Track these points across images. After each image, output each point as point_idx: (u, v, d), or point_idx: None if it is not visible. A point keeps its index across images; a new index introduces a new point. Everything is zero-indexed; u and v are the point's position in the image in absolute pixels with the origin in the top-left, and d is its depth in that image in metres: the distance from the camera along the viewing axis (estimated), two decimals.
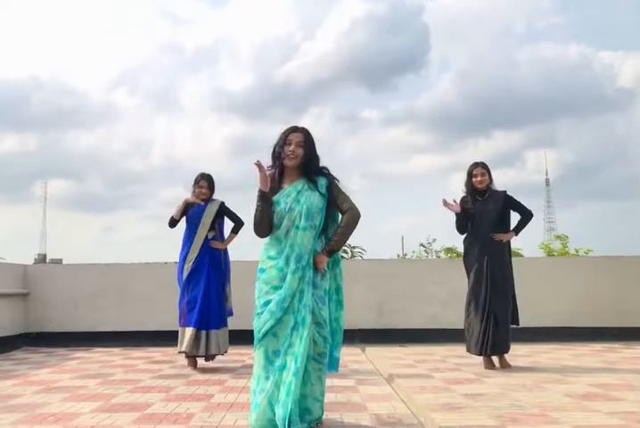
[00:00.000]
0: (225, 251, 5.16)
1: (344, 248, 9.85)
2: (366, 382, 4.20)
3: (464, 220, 4.93)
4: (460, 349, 6.10)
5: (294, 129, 3.00)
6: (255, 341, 2.88)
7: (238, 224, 5.16)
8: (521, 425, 2.85)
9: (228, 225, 5.26)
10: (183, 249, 5.07)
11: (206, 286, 4.89)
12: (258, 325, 2.86)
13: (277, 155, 2.98)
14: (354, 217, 2.96)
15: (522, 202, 4.96)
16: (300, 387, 2.75)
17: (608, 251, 7.75)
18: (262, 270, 2.96)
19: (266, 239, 3.01)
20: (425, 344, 6.48)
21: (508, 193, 4.94)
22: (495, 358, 4.80)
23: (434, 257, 11.40)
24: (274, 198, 2.95)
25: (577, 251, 8.55)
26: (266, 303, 2.87)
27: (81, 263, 7.59)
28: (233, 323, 5.16)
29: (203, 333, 4.79)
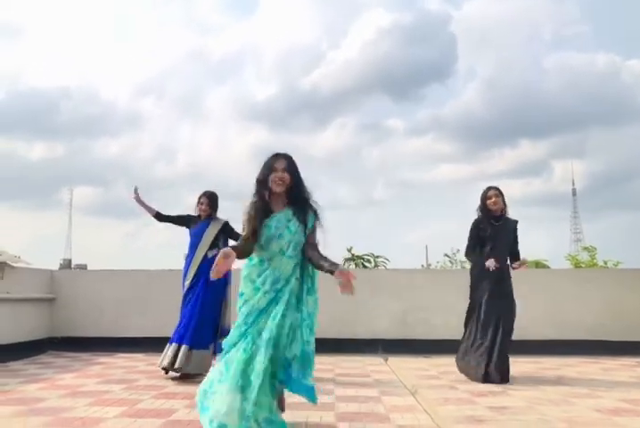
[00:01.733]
0: (228, 272, 5.14)
1: (367, 257, 9.87)
2: (390, 392, 4.16)
3: (476, 245, 4.97)
4: None
5: (277, 156, 3.05)
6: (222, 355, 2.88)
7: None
8: None
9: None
10: (185, 265, 5.12)
11: (195, 303, 4.89)
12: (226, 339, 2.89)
13: (264, 183, 3.00)
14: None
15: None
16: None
17: (636, 263, 7.60)
18: (242, 294, 2.99)
19: (248, 262, 3.04)
20: (449, 355, 6.39)
21: (520, 222, 5.03)
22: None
23: (458, 267, 11.30)
24: (266, 222, 2.96)
25: (605, 263, 8.39)
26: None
27: (106, 269, 7.69)
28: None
29: (183, 348, 4.73)
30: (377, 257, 9.80)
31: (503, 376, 4.61)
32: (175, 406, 3.61)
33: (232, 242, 5.26)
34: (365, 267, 9.63)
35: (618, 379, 4.84)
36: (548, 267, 8.13)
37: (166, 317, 7.00)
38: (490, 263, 4.71)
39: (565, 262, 9.26)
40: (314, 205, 3.06)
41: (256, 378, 2.65)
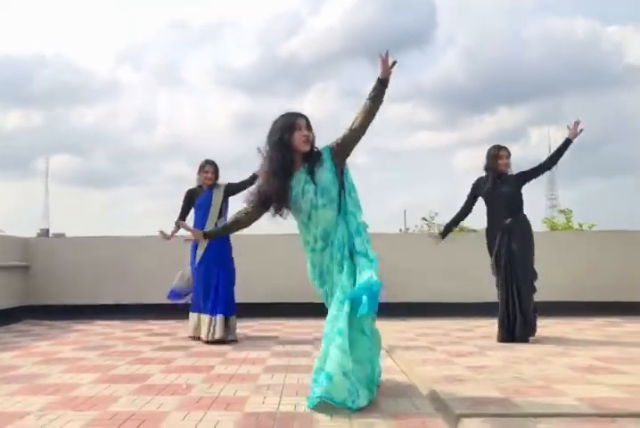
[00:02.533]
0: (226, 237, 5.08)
1: None
2: None
3: (467, 208, 5.04)
4: (464, 322, 6.11)
5: (296, 115, 2.94)
6: None
7: (251, 178, 4.95)
8: (525, 397, 2.81)
9: (232, 209, 5.21)
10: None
11: (219, 275, 4.89)
12: None
13: (286, 142, 2.87)
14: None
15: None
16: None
17: (612, 227, 7.69)
18: (309, 262, 3.05)
19: (298, 229, 3.03)
20: (427, 318, 6.47)
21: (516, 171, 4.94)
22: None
23: (436, 231, 11.34)
24: (290, 184, 2.90)
25: (580, 226, 8.47)
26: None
27: (82, 236, 7.57)
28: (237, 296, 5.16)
29: (219, 319, 4.78)
30: None
31: (523, 334, 4.65)
32: (150, 371, 3.57)
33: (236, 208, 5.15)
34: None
35: (591, 338, 4.91)
36: None
37: (144, 284, 6.95)
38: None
39: (542, 226, 9.35)
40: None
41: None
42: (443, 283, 6.98)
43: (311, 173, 2.89)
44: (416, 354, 4.17)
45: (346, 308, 2.78)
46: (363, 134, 2.95)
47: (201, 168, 5.08)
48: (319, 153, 2.94)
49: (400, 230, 13.53)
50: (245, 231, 5.97)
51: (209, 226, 4.90)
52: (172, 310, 6.10)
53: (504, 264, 4.78)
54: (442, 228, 5.27)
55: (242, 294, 5.22)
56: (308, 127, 2.91)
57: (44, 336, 5.29)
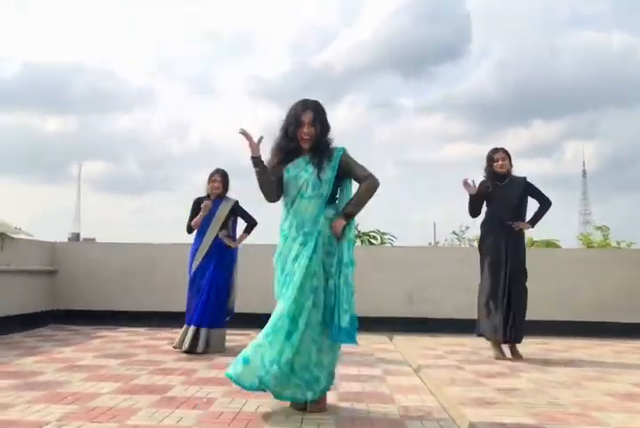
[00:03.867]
0: (234, 251, 5.06)
1: (374, 234, 9.68)
2: (394, 372, 4.04)
3: (480, 204, 4.91)
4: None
5: (304, 107, 2.93)
6: None
7: (251, 224, 5.10)
8: (561, 425, 2.66)
9: (241, 224, 5.21)
10: (193, 244, 5.01)
11: (210, 286, 4.84)
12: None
13: (292, 136, 2.92)
14: (373, 183, 2.95)
15: (543, 191, 4.91)
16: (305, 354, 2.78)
17: None
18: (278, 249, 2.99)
19: (281, 211, 3.02)
20: (456, 335, 6.28)
21: (530, 180, 4.88)
22: (505, 349, 4.76)
23: (467, 245, 11.14)
24: (288, 166, 2.95)
25: (618, 244, 8.19)
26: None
27: (109, 242, 7.59)
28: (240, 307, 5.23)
29: (203, 331, 4.77)
30: (383, 234, 9.63)
31: (516, 336, 4.66)
32: (172, 382, 3.50)
33: (240, 223, 5.16)
34: (371, 243, 9.46)
35: (629, 362, 4.70)
36: (559, 247, 7.95)
37: (169, 292, 6.91)
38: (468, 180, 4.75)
39: (575, 242, 9.09)
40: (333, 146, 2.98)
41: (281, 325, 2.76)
42: (473, 299, 6.79)
43: (313, 163, 2.91)
44: (445, 373, 4.02)
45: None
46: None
47: (210, 177, 5.01)
48: (332, 149, 2.96)
49: (430, 244, 13.32)
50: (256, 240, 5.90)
51: (209, 237, 4.90)
52: None
53: (505, 275, 4.71)
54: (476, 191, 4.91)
55: (256, 305, 5.17)
56: (314, 121, 2.90)
57: (67, 342, 5.27)
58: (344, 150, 2.98)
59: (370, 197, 2.95)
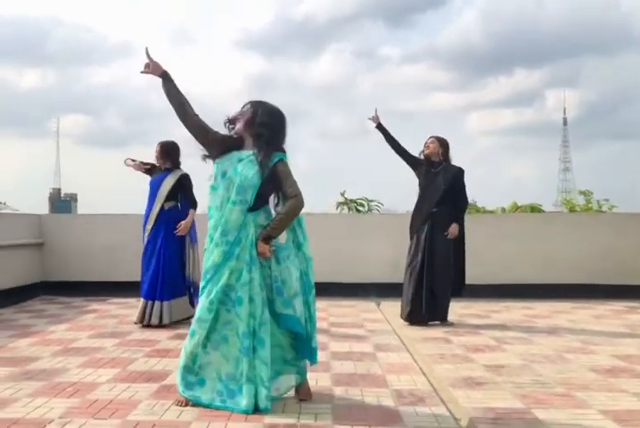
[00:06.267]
0: (192, 224, 5.05)
1: (361, 201, 9.70)
2: (385, 347, 4.15)
3: (393, 141, 5.12)
4: (477, 305, 6.08)
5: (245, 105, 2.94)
6: None
7: (192, 204, 5.03)
8: (547, 408, 2.78)
9: None
10: (144, 217, 5.03)
11: (158, 258, 4.89)
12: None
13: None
14: (297, 205, 2.84)
15: (466, 188, 5.08)
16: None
17: (626, 195, 7.52)
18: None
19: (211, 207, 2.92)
20: None
21: (464, 175, 5.04)
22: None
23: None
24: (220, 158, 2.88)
25: (600, 207, 8.31)
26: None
27: (95, 213, 7.54)
28: None
29: (155, 303, 4.86)
30: (371, 201, 9.67)
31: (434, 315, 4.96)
32: (167, 366, 3.57)
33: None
34: (358, 211, 9.51)
35: (610, 329, 4.87)
36: (543, 212, 8.05)
37: None
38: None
39: (558, 204, 9.20)
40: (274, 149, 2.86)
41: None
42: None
43: (249, 156, 2.84)
44: (433, 347, 4.15)
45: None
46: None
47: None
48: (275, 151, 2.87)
49: None
50: None
51: (155, 207, 4.94)
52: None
53: (424, 248, 4.97)
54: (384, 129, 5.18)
55: None
56: (245, 121, 2.86)
57: (59, 318, 5.31)
58: (282, 159, 2.88)
59: (293, 218, 2.85)
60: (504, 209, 10.36)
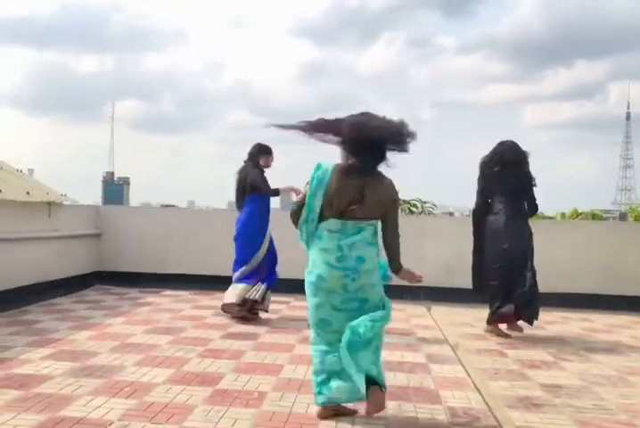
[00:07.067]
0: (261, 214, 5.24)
1: (415, 202, 9.60)
2: (438, 359, 4.08)
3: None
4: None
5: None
6: None
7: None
8: None
9: None
10: (262, 221, 5.17)
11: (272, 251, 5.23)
12: None
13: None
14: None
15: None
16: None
17: None
18: None
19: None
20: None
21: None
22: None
23: None
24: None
25: None
26: None
27: (151, 207, 7.70)
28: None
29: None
30: (424, 202, 9.54)
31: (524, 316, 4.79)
32: (221, 369, 3.61)
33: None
34: (411, 212, 9.40)
35: None
36: (603, 218, 7.76)
37: (210, 255, 7.05)
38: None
39: (611, 190, 8.83)
40: None
41: None
42: None
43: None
44: (487, 360, 4.06)
45: None
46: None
47: (269, 153, 5.19)
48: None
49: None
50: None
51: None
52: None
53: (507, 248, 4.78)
54: None
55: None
56: None
57: (115, 310, 5.45)
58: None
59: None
60: (563, 215, 10.04)
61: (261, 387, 3.28)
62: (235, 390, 3.20)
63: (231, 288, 5.12)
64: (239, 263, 5.13)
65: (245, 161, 5.17)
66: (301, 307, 5.24)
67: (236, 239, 5.18)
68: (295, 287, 5.08)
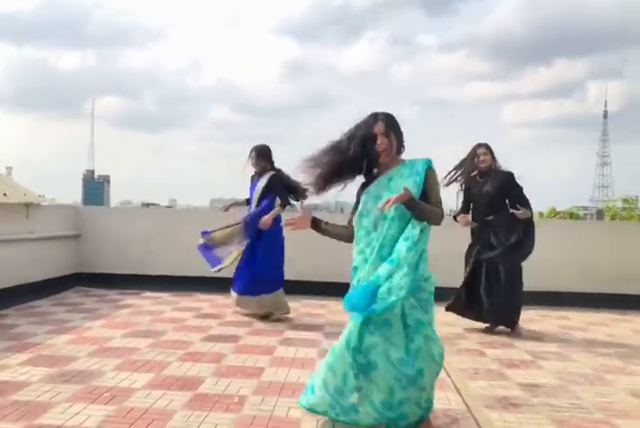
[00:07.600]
0: (276, 220, 5.04)
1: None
2: None
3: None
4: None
5: (374, 119, 2.77)
6: None
7: (283, 201, 5.05)
8: None
9: None
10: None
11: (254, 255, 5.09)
12: None
13: (369, 151, 2.72)
14: (440, 215, 2.68)
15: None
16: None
17: None
18: None
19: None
20: None
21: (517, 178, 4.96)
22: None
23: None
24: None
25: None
26: None
27: (130, 207, 7.64)
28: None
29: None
30: None
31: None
32: (202, 372, 3.59)
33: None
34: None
35: None
36: (582, 217, 7.86)
37: (191, 256, 6.97)
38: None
39: (589, 187, 8.98)
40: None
41: None
42: None
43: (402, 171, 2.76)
44: (467, 360, 4.10)
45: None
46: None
47: (249, 154, 5.13)
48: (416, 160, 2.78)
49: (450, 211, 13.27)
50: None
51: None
52: (214, 285, 6.21)
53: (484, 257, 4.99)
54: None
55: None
56: (386, 132, 2.73)
57: (94, 313, 5.39)
58: (430, 163, 2.76)
59: (429, 219, 2.63)
60: (541, 214, 10.16)
61: (242, 391, 3.27)
62: (216, 395, 3.19)
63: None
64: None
65: (274, 168, 5.12)
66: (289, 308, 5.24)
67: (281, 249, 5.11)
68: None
